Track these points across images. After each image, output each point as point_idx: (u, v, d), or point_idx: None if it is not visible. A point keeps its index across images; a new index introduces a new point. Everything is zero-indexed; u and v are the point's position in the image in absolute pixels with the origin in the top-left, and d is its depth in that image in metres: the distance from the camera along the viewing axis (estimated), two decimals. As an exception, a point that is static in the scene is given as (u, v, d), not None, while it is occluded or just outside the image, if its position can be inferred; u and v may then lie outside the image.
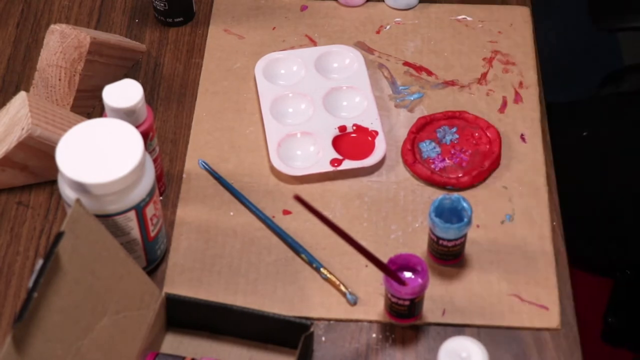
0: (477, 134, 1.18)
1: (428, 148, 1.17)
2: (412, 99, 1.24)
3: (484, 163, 1.15)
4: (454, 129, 1.19)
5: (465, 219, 1.04)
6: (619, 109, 1.55)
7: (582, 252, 1.43)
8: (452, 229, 1.03)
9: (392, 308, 1.02)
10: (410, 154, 1.17)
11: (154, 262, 1.08)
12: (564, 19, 1.90)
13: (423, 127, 1.19)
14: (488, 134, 1.18)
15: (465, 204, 1.04)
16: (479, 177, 1.15)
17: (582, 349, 1.03)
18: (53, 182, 1.13)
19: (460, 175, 1.15)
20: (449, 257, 1.07)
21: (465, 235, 1.06)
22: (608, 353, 1.46)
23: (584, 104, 1.62)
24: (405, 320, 1.03)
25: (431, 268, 1.08)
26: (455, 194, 1.04)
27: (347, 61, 1.27)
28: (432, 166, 1.16)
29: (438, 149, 1.17)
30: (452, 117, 1.20)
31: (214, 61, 1.28)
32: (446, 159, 1.16)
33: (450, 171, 1.15)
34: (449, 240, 1.05)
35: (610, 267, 1.52)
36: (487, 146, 1.17)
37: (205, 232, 1.12)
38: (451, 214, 1.05)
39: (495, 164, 1.16)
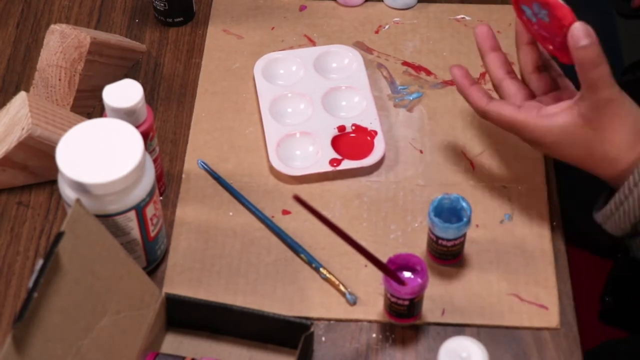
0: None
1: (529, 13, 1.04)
2: (411, 98, 1.24)
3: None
4: (545, 12, 1.02)
5: (465, 219, 1.04)
6: None
7: (583, 231, 1.43)
8: (452, 228, 1.03)
9: (392, 308, 1.02)
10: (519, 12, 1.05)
11: (154, 262, 1.08)
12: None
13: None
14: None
15: (464, 204, 1.04)
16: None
17: (578, 326, 1.04)
18: (53, 182, 1.13)
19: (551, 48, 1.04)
20: (448, 256, 1.07)
21: (464, 235, 1.06)
22: (605, 333, 1.46)
23: None
24: (404, 320, 1.03)
25: (430, 268, 1.08)
26: (454, 194, 1.05)
27: (346, 61, 1.27)
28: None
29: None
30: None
31: (213, 61, 1.28)
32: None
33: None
34: (448, 240, 1.05)
35: (611, 249, 1.51)
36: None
37: (204, 232, 1.12)
38: (450, 213, 1.05)
39: None
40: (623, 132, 1.00)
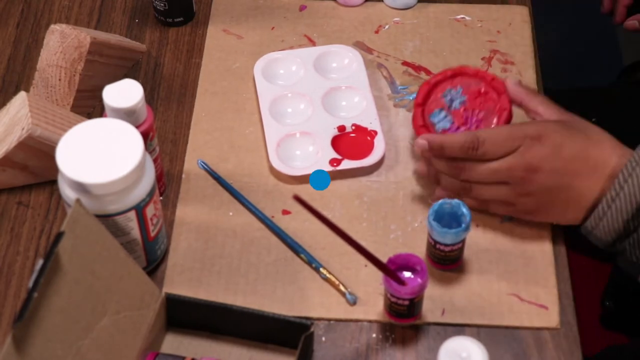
0: (483, 90, 1.13)
1: (439, 118, 1.13)
2: (411, 98, 1.24)
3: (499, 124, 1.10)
4: (459, 90, 1.14)
5: (463, 225, 1.03)
6: (620, 107, 1.55)
7: (583, 233, 1.43)
8: (450, 234, 1.03)
9: (392, 308, 1.02)
10: (424, 129, 1.12)
11: (154, 262, 1.08)
12: (566, 19, 1.90)
13: (428, 95, 1.14)
14: (494, 86, 1.12)
15: (464, 210, 1.03)
16: None
17: (579, 330, 1.04)
18: (53, 182, 1.13)
19: None
20: (446, 261, 1.07)
21: (463, 242, 1.05)
22: (606, 337, 1.46)
23: (585, 103, 1.62)
24: (404, 320, 1.03)
25: (430, 268, 1.08)
26: (455, 200, 1.04)
27: (346, 61, 1.27)
28: None
29: (450, 118, 1.12)
30: (453, 76, 1.15)
31: (213, 61, 1.28)
32: (461, 127, 1.12)
33: None
34: (446, 245, 1.04)
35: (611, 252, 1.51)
36: (497, 104, 1.11)
37: (204, 232, 1.12)
38: (451, 218, 1.05)
39: (509, 120, 1.11)
40: None
